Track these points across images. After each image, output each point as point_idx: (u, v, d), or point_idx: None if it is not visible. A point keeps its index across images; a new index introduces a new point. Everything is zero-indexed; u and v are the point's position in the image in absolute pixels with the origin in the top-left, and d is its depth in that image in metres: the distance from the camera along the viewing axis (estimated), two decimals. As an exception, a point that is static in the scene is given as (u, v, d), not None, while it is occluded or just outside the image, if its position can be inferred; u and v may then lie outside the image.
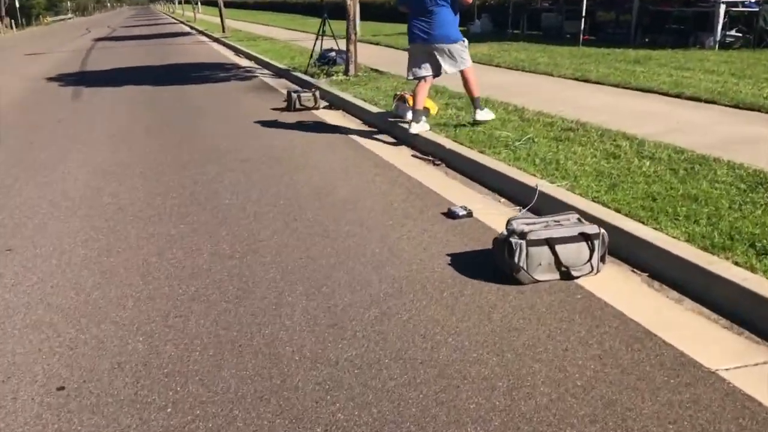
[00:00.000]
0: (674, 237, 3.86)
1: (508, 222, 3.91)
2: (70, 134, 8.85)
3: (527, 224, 3.81)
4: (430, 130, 7.24)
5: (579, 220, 3.92)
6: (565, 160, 5.65)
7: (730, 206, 4.30)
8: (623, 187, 4.81)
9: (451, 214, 4.92)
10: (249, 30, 28.83)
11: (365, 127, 8.51)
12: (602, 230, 3.78)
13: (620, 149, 5.90)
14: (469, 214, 4.89)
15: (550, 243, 3.70)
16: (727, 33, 13.89)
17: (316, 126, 8.71)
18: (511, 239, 3.70)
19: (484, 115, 7.36)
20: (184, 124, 9.21)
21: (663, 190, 4.68)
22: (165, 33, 34.21)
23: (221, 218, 5.03)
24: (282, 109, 9.79)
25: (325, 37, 12.86)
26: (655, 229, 4.01)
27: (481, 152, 6.22)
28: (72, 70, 17.06)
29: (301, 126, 8.69)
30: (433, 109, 8.08)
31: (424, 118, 7.28)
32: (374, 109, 8.80)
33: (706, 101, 8.03)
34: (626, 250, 3.98)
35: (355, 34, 12.06)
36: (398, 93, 8.39)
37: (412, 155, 6.93)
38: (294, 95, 9.66)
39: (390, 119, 8.16)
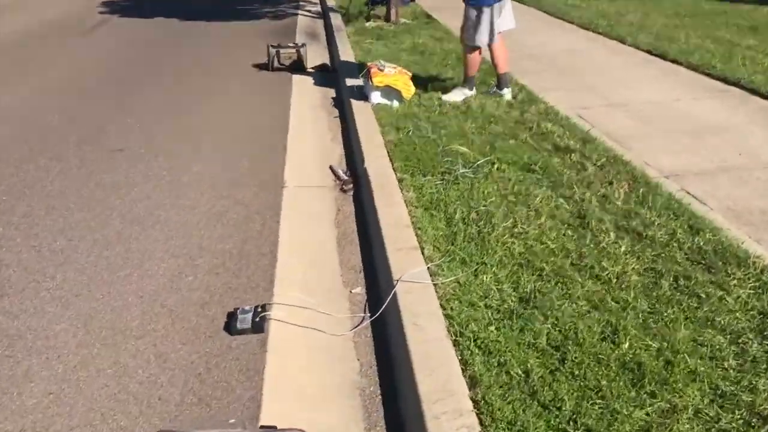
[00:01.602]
0: None
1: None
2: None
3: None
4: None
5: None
6: (497, 234, 3.44)
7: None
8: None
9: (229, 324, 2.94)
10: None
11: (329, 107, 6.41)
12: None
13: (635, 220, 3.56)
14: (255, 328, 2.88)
15: None
16: None
17: (258, 101, 6.68)
18: None
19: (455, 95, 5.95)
20: (152, 79, 7.46)
21: None
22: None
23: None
24: (261, 67, 7.82)
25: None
26: None
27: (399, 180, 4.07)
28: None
29: (233, 98, 6.72)
30: (408, 91, 5.85)
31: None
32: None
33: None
34: None
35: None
36: (368, 65, 6.18)
37: (329, 167, 4.84)
38: (273, 51, 7.64)
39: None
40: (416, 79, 6.44)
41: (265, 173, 4.71)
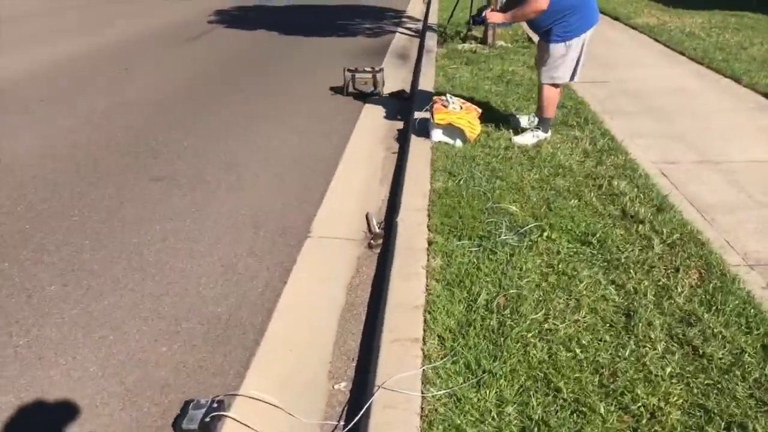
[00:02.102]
0: None
1: None
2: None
3: None
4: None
5: None
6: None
7: None
8: None
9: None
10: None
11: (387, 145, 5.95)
12: None
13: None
14: None
15: None
16: None
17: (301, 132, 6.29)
18: None
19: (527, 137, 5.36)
20: (221, 97, 7.29)
21: None
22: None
23: None
24: (337, 90, 7.47)
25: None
26: None
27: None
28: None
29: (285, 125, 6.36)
30: (472, 130, 5.30)
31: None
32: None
33: None
34: None
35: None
36: (433, 99, 5.66)
37: (366, 215, 4.37)
38: (348, 75, 7.26)
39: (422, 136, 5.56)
40: (491, 114, 5.91)
41: (295, 217, 4.30)
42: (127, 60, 9.15)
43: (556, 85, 5.22)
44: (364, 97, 7.24)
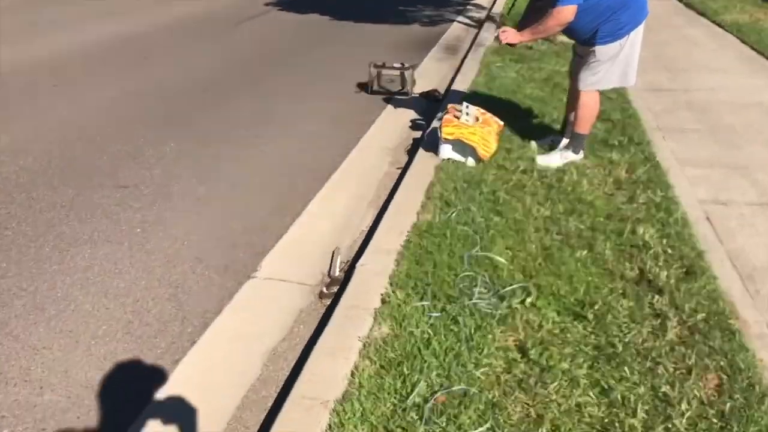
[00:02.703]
0: None
1: None
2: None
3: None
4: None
5: None
6: None
7: None
8: None
9: None
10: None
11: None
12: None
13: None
14: None
15: None
16: None
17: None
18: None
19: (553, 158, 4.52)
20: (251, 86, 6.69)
21: None
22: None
23: None
24: (363, 87, 6.74)
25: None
26: None
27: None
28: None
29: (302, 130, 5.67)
30: (486, 148, 4.49)
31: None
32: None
33: None
34: None
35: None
36: (448, 107, 4.86)
37: (333, 252, 3.66)
38: (373, 72, 6.52)
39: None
40: (525, 123, 5.10)
41: (247, 249, 3.63)
42: (162, 46, 8.67)
43: (594, 94, 4.35)
44: (391, 96, 6.48)
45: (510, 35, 4.31)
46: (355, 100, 6.40)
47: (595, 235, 3.48)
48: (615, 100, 5.71)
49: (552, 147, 4.75)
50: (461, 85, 6.51)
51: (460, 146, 4.50)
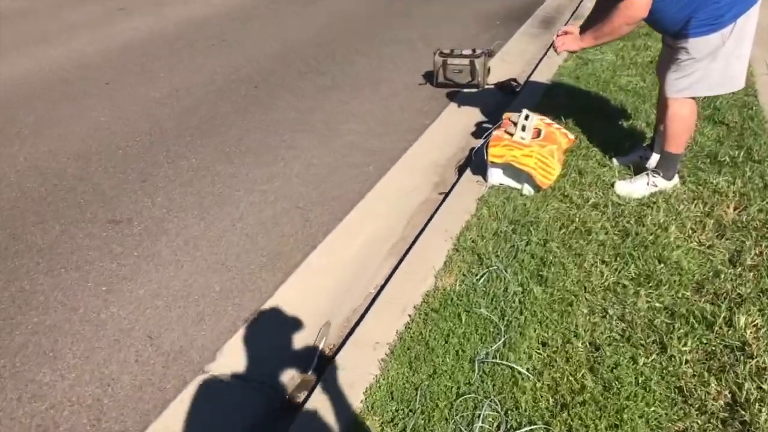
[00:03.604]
0: None
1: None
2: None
3: None
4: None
5: None
6: None
7: None
8: None
9: None
10: None
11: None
12: None
13: None
14: None
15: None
16: None
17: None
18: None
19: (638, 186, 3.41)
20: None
21: None
22: None
23: None
24: (429, 78, 5.79)
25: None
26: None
27: None
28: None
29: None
30: (546, 175, 3.47)
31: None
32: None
33: None
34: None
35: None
36: (503, 117, 3.84)
37: (321, 329, 2.85)
38: (438, 61, 5.53)
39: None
40: (611, 129, 4.07)
41: (214, 324, 2.88)
42: (233, 28, 8.00)
43: (688, 103, 3.21)
44: (458, 90, 5.49)
45: (568, 41, 3.29)
46: (414, 96, 5.45)
47: (672, 325, 2.42)
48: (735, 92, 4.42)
49: (641, 165, 3.64)
50: (544, 72, 5.41)
51: (514, 170, 3.50)
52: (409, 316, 2.60)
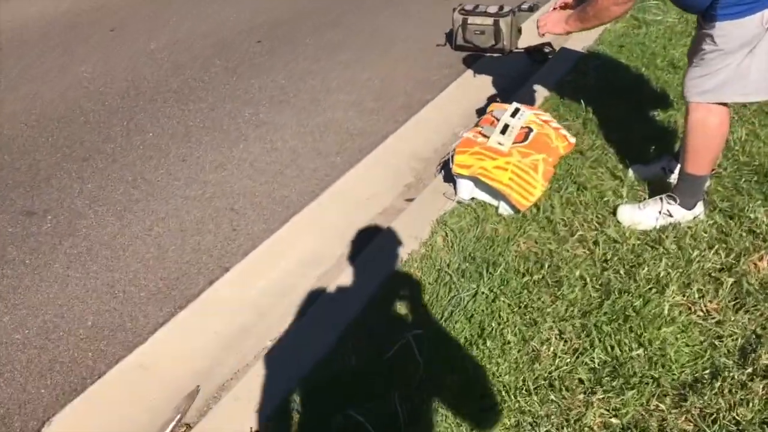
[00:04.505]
0: None
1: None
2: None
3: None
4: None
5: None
6: None
7: None
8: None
9: None
10: None
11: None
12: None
13: None
14: None
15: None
16: None
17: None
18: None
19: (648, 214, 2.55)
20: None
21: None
22: None
23: None
24: (446, 41, 4.91)
25: None
26: None
27: None
28: None
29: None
30: (526, 195, 2.64)
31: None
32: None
33: None
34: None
35: None
36: (489, 108, 2.99)
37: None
38: (458, 19, 4.61)
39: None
40: (639, 123, 3.22)
41: (54, 386, 2.30)
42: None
43: (715, 110, 2.30)
44: (480, 55, 4.59)
45: (552, 21, 2.45)
46: (427, 61, 4.60)
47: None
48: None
49: (663, 178, 2.77)
50: (585, 37, 4.42)
51: (487, 185, 2.69)
52: (265, 421, 1.92)
